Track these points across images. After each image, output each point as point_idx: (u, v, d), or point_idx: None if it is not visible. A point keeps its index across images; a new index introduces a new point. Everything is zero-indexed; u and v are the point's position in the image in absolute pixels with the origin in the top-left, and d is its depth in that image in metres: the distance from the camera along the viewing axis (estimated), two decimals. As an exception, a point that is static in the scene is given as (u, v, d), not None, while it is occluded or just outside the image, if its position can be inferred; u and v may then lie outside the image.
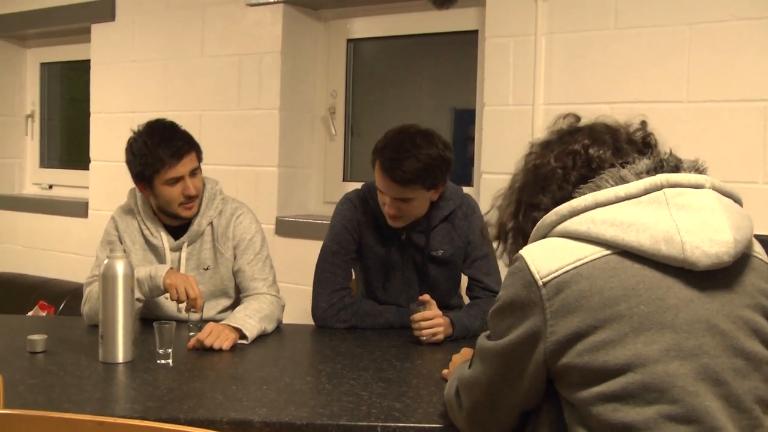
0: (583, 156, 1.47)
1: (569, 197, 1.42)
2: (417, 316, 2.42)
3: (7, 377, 1.66)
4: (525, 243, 1.48)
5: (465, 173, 3.47)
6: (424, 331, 2.41)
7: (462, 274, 2.74)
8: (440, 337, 2.42)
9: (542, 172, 1.51)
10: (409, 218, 2.57)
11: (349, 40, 3.81)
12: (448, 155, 2.49)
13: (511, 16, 3.07)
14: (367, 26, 3.76)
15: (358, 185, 2.87)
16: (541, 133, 2.94)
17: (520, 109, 3.05)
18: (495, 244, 1.64)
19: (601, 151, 1.46)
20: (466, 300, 2.77)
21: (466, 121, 3.55)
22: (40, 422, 1.33)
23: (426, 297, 2.46)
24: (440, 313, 2.44)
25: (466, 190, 2.85)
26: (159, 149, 2.54)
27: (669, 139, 1.54)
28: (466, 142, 3.52)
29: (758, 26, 2.62)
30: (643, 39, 2.81)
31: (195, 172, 2.62)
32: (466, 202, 2.69)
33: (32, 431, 1.31)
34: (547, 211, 1.44)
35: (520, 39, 3.05)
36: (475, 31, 3.39)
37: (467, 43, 3.44)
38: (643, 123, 1.53)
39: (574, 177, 1.46)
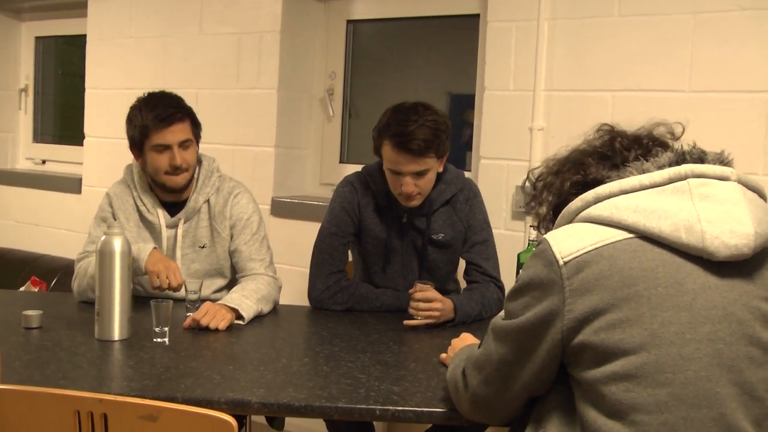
0: (646, 146, 1.49)
1: (611, 179, 1.44)
2: (418, 294, 2.41)
3: (2, 352, 1.65)
4: (551, 202, 1.53)
5: (460, 158, 3.46)
6: (421, 312, 2.41)
7: (460, 259, 2.73)
8: (432, 321, 2.42)
9: (611, 145, 1.52)
10: (424, 194, 2.56)
11: (349, 21, 3.78)
12: (447, 120, 2.51)
13: (514, 0, 3.05)
14: (367, 7, 3.73)
15: (354, 167, 2.85)
16: (542, 119, 2.97)
17: (521, 94, 3.04)
18: (528, 197, 1.66)
19: (659, 148, 1.48)
20: (462, 284, 2.76)
21: (461, 105, 3.53)
22: (41, 398, 1.32)
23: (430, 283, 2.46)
24: (440, 298, 2.43)
25: (463, 175, 2.84)
26: (150, 113, 2.54)
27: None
28: (462, 126, 3.51)
29: (763, 17, 2.61)
30: (646, 27, 2.80)
31: (186, 144, 2.59)
32: (468, 186, 2.68)
33: (34, 407, 1.31)
34: (586, 178, 1.48)
35: (522, 24, 3.03)
36: (477, 15, 3.37)
37: (467, 27, 3.42)
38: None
39: (631, 158, 1.47)
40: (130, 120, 2.59)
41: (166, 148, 2.55)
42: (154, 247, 2.51)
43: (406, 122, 2.42)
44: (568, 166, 1.54)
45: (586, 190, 1.44)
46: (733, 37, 2.65)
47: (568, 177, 1.53)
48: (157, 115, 2.53)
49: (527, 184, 1.66)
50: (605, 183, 1.43)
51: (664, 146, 1.49)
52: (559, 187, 1.53)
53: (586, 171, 1.50)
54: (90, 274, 2.51)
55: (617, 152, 1.49)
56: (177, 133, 2.56)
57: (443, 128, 2.47)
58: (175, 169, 2.58)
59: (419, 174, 2.48)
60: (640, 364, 1.26)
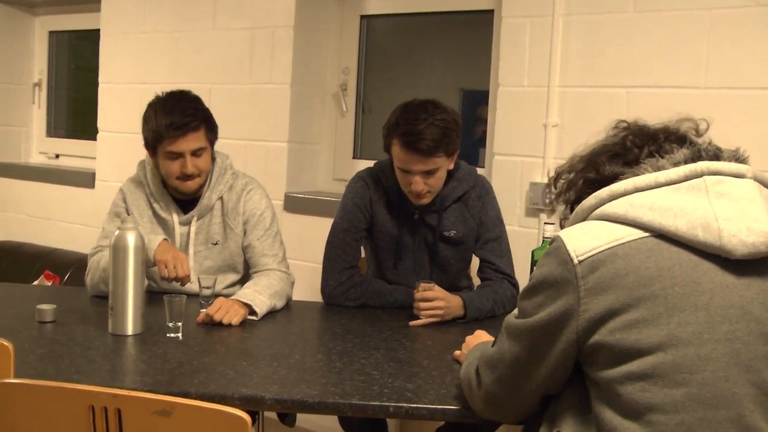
0: (660, 142, 1.47)
1: (624, 175, 1.43)
2: (418, 295, 2.41)
3: (16, 346, 1.64)
4: (571, 198, 1.52)
5: (473, 154, 3.45)
6: (423, 312, 2.41)
7: (473, 256, 2.73)
8: (437, 319, 2.42)
9: (623, 143, 1.50)
10: (435, 192, 2.55)
11: (362, 16, 3.77)
12: (457, 118, 2.50)
13: (529, -4, 3.04)
14: (381, 3, 3.72)
15: (367, 163, 2.84)
16: (556, 115, 2.95)
17: (536, 90, 3.02)
18: (548, 190, 1.66)
19: (674, 145, 1.46)
20: (476, 281, 2.75)
21: (474, 101, 3.52)
22: (55, 393, 1.32)
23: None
24: (442, 296, 2.43)
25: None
26: (164, 120, 2.50)
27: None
28: (475, 123, 3.50)
29: (779, 13, 2.59)
30: (661, 23, 2.78)
31: (199, 152, 2.57)
32: (480, 183, 2.67)
33: (47, 401, 1.30)
34: (599, 176, 1.47)
35: (537, 20, 3.02)
36: (491, 11, 3.35)
37: (481, 22, 3.41)
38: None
39: (644, 155, 1.46)
40: (146, 120, 2.57)
41: (179, 155, 2.54)
42: (164, 238, 2.52)
43: (416, 121, 2.41)
44: (583, 164, 1.53)
45: (600, 188, 1.43)
46: (749, 34, 2.63)
47: (581, 175, 1.52)
48: (171, 124, 2.49)
49: (550, 181, 1.65)
50: (619, 179, 1.42)
51: (680, 142, 1.47)
52: (575, 183, 1.53)
53: (598, 169, 1.49)
54: (102, 267, 2.51)
55: (628, 150, 1.47)
56: (190, 141, 2.54)
57: (453, 127, 2.46)
58: (187, 177, 2.57)
59: (429, 173, 2.48)
60: (657, 364, 1.25)
